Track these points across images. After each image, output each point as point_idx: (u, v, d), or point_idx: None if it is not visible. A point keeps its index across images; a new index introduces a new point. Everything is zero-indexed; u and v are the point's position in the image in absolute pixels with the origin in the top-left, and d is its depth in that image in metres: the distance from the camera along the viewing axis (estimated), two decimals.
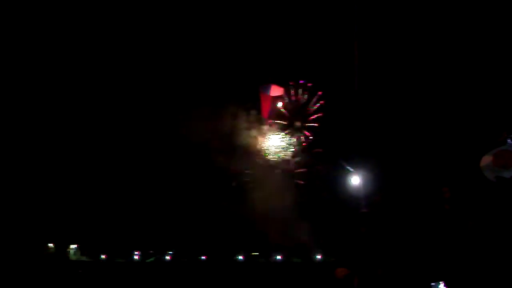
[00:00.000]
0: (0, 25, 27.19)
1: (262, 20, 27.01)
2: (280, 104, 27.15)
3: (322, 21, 26.33)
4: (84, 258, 28.77)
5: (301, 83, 28.09)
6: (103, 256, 28.52)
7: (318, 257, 27.96)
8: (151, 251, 28.86)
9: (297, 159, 28.55)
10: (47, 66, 28.69)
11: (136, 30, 27.90)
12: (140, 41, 27.94)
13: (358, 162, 19.86)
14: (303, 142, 28.42)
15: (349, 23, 23.30)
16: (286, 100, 27.94)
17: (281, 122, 28.41)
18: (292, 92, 28.07)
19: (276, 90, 26.77)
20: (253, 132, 27.98)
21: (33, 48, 28.48)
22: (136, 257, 28.66)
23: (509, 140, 11.12)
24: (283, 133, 28.39)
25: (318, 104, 27.89)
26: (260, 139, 27.97)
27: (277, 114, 27.39)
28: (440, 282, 10.99)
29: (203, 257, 28.54)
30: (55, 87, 28.84)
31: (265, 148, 28.29)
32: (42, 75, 28.75)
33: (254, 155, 28.37)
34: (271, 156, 28.49)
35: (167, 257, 28.73)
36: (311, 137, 28.26)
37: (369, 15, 23.63)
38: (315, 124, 28.15)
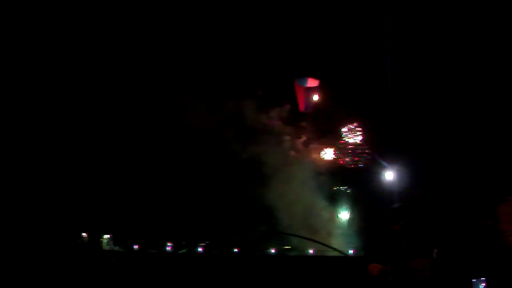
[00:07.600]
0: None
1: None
2: (316, 97, 26.87)
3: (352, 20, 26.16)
4: (117, 248, 28.94)
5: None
6: (135, 247, 28.65)
7: (351, 252, 27.74)
8: (184, 243, 28.92)
9: None
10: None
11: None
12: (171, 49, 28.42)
13: (392, 157, 19.60)
14: None
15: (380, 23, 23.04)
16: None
17: None
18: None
19: (312, 82, 26.56)
20: None
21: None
22: (168, 248, 28.73)
23: None
24: None
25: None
26: None
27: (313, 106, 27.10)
28: (482, 279, 10.77)
29: (235, 250, 28.53)
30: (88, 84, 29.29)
31: None
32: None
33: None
34: None
35: (199, 249, 28.76)
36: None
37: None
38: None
